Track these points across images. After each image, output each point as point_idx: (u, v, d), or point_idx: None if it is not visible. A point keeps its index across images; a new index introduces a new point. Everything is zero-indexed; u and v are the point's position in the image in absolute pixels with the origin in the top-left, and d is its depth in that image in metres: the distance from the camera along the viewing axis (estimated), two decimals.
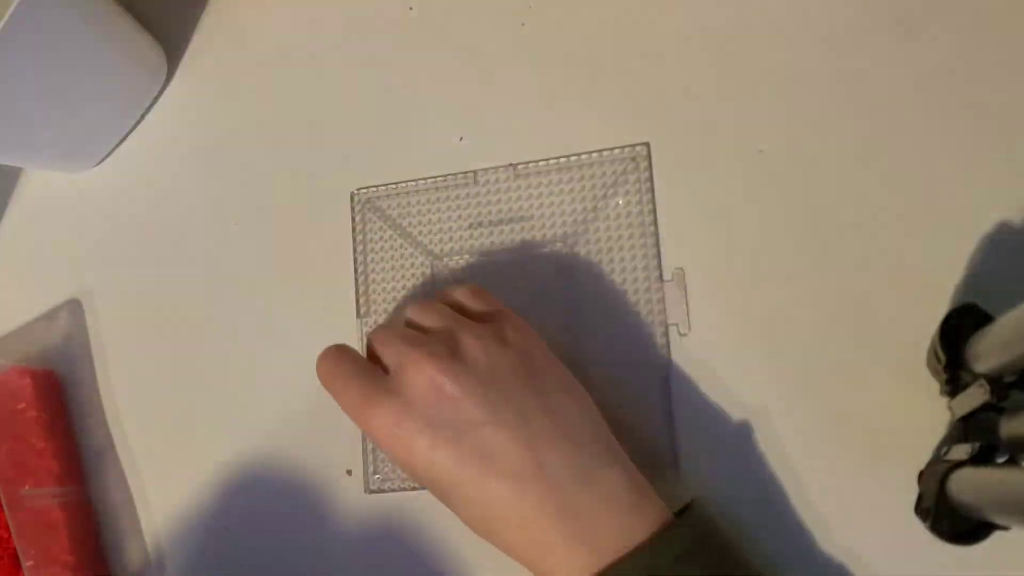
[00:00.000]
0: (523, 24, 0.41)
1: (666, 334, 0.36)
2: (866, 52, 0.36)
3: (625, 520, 0.28)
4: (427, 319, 0.33)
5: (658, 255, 0.36)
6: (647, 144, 0.37)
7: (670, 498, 0.31)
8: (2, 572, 0.38)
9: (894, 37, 0.35)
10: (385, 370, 0.32)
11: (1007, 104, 0.34)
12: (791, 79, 0.36)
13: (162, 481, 0.42)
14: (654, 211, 0.37)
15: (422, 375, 0.29)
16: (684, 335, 0.36)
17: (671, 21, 0.38)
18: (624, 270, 0.37)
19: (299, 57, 0.44)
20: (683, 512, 0.30)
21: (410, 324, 0.34)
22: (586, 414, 0.31)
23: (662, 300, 0.36)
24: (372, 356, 0.33)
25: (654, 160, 0.37)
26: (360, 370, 0.32)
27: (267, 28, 0.45)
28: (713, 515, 0.31)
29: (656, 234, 0.37)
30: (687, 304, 0.36)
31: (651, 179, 0.37)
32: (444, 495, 0.30)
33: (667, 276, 0.36)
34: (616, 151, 0.38)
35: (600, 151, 0.38)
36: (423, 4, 0.42)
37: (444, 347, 0.30)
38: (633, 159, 0.38)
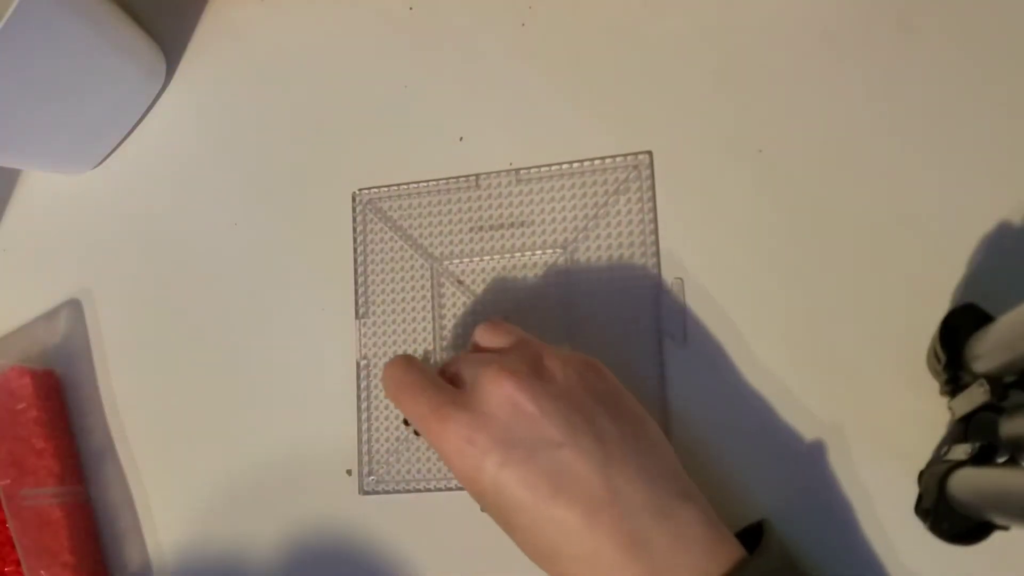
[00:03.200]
0: (523, 24, 0.41)
1: (664, 343, 0.36)
2: (866, 52, 0.36)
3: (700, 558, 0.27)
4: (499, 338, 0.32)
5: (658, 264, 0.36)
6: (649, 153, 0.37)
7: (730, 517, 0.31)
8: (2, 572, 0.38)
9: (894, 37, 0.35)
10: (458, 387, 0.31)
11: (1007, 104, 0.34)
12: (792, 79, 0.36)
13: (162, 481, 0.42)
14: (655, 220, 0.37)
15: (499, 390, 0.28)
16: (681, 346, 0.35)
17: (672, 22, 0.38)
18: (623, 278, 0.37)
19: (299, 57, 0.44)
20: (756, 541, 0.29)
21: (479, 346, 0.33)
22: (661, 446, 0.29)
23: (661, 310, 0.36)
24: (444, 375, 0.32)
25: (656, 169, 0.37)
26: (431, 382, 0.31)
27: (266, 28, 0.45)
28: (785, 544, 0.30)
29: (656, 243, 0.37)
30: (685, 314, 0.36)
31: (652, 188, 0.37)
32: (507, 519, 0.28)
33: (666, 285, 0.36)
34: (619, 159, 0.38)
35: (603, 158, 0.38)
36: (423, 4, 0.42)
37: (524, 364, 0.29)
38: (635, 167, 0.38)
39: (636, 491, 0.27)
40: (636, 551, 0.26)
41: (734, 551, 0.27)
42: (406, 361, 0.32)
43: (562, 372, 0.29)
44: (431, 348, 0.39)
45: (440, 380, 0.31)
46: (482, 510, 0.30)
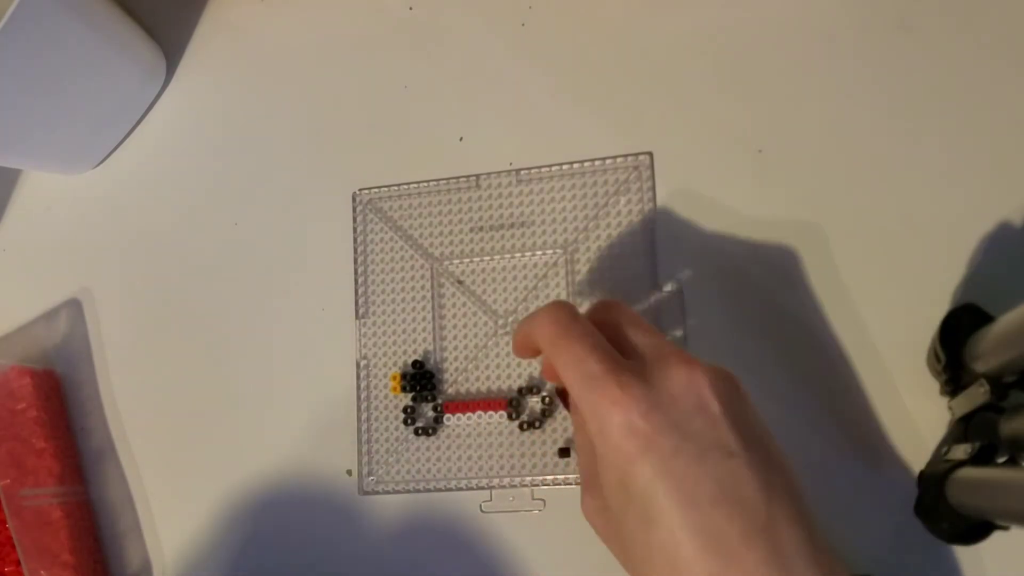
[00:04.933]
0: (523, 24, 0.41)
1: None
2: (866, 52, 0.36)
3: None
4: (645, 332, 0.29)
5: (658, 264, 0.36)
6: (650, 153, 0.37)
7: None
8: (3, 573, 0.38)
9: (894, 37, 0.36)
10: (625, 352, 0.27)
11: (1007, 104, 0.34)
12: (792, 79, 0.36)
13: (162, 481, 0.42)
14: (655, 220, 0.37)
15: (691, 378, 0.26)
16: (681, 347, 0.35)
17: (672, 22, 0.38)
18: (623, 280, 0.37)
19: (299, 57, 0.44)
20: None
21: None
22: (807, 495, 0.27)
23: (660, 311, 0.36)
24: (600, 323, 0.28)
25: (656, 169, 0.37)
26: (602, 342, 0.27)
27: (266, 29, 0.45)
28: None
29: (656, 243, 0.37)
30: (684, 315, 0.36)
31: (652, 188, 0.37)
32: (646, 512, 0.25)
33: (666, 286, 0.36)
34: (619, 159, 0.38)
35: (603, 159, 0.38)
36: (423, 4, 0.42)
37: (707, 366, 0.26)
38: (635, 167, 0.38)
39: (793, 528, 0.24)
40: None
41: None
42: (572, 310, 0.28)
43: (738, 389, 0.27)
44: (431, 348, 0.39)
45: (605, 342, 0.27)
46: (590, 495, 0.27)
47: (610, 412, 0.25)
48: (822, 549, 0.24)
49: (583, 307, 0.37)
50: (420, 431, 0.38)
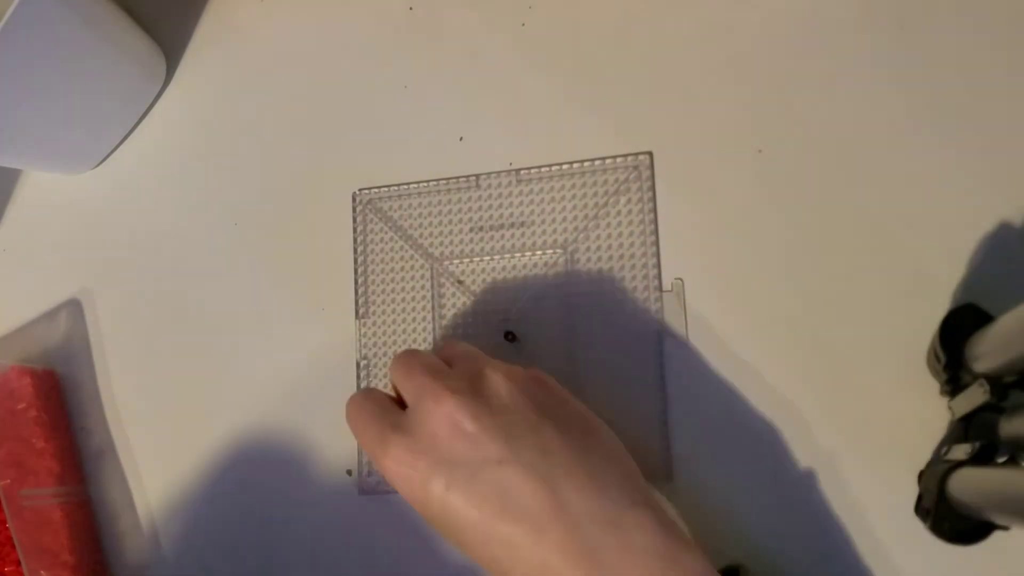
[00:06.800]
0: (523, 24, 0.41)
1: (664, 344, 0.36)
2: (866, 52, 0.36)
3: (656, 567, 0.25)
4: (454, 351, 0.32)
5: (658, 264, 0.36)
6: (650, 153, 0.37)
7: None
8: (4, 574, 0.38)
9: (894, 37, 0.35)
10: (404, 405, 0.31)
11: (1006, 104, 0.34)
12: (791, 79, 0.36)
13: (162, 481, 0.42)
14: (655, 220, 0.37)
15: (438, 409, 0.28)
16: (682, 346, 0.35)
17: (672, 22, 0.38)
18: (623, 279, 0.37)
19: (299, 57, 0.44)
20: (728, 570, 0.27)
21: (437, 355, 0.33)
22: (615, 454, 0.29)
23: (661, 310, 0.36)
24: (394, 386, 0.32)
25: (656, 169, 0.37)
26: (380, 408, 0.30)
27: (266, 29, 0.45)
28: None
29: (656, 243, 0.37)
30: (686, 314, 0.36)
31: (653, 188, 0.37)
32: (460, 539, 0.28)
33: (666, 286, 0.36)
34: (619, 159, 0.38)
35: (603, 159, 0.38)
36: (423, 4, 0.42)
37: (465, 381, 0.29)
38: (636, 168, 0.38)
39: (585, 501, 0.26)
40: (586, 563, 0.25)
41: (698, 562, 0.26)
42: (365, 393, 0.32)
43: (504, 387, 0.29)
44: (431, 348, 0.39)
45: (390, 406, 0.31)
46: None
47: (385, 470, 0.29)
48: (629, 505, 0.27)
49: (581, 306, 0.37)
50: None
